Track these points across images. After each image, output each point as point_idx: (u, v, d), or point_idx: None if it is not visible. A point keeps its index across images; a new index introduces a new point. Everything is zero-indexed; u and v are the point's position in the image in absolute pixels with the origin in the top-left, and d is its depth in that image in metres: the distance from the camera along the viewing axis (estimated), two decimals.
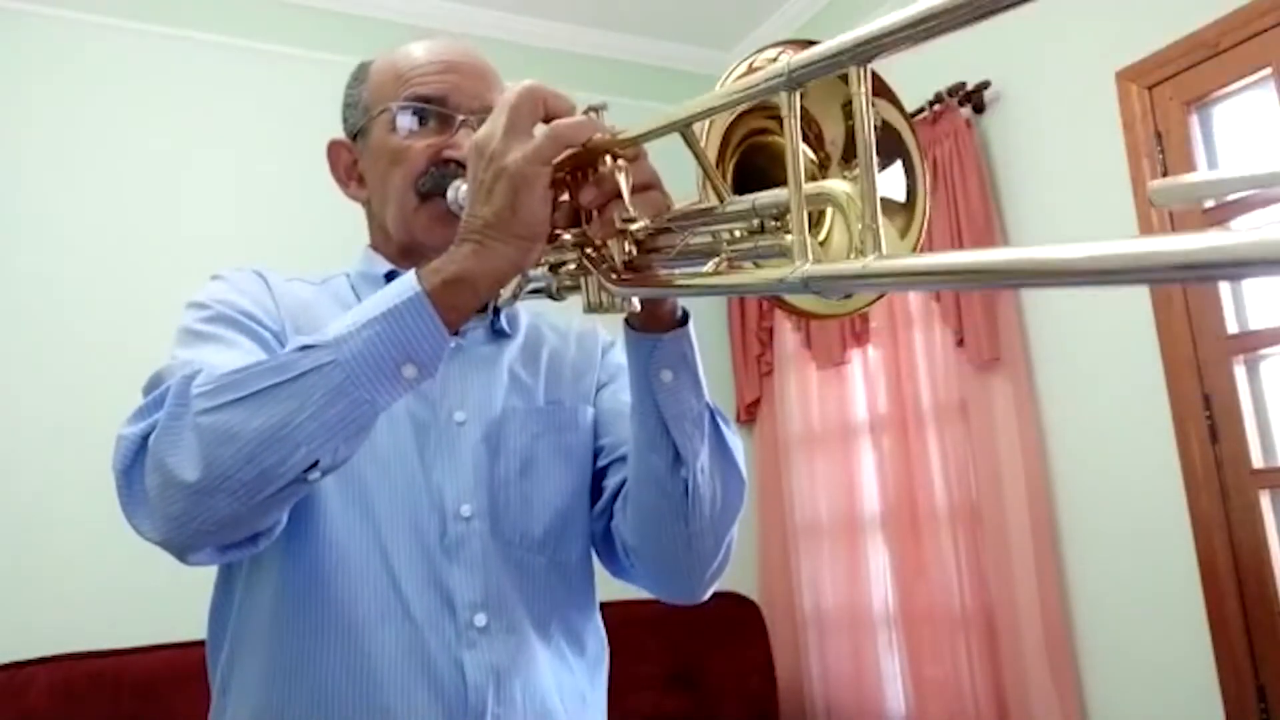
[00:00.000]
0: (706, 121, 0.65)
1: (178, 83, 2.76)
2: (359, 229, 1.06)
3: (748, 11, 3.27)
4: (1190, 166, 2.13)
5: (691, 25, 3.35)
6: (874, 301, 0.66)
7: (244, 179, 2.77)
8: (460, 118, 0.95)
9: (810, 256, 0.52)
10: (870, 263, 0.48)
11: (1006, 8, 0.39)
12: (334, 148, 1.04)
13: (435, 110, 0.95)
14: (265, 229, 2.70)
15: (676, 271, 0.73)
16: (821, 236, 0.65)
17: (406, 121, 0.95)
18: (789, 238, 0.59)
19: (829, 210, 0.64)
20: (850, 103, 0.64)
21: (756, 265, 0.65)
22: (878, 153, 0.63)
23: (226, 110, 2.80)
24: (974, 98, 2.55)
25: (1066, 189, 2.39)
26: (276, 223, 2.72)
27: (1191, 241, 0.32)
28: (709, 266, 0.68)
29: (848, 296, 0.63)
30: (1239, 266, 0.31)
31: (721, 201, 0.65)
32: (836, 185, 0.57)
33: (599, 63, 3.32)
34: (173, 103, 2.74)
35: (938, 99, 2.59)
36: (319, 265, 1.06)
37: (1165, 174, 2.18)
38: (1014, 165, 2.53)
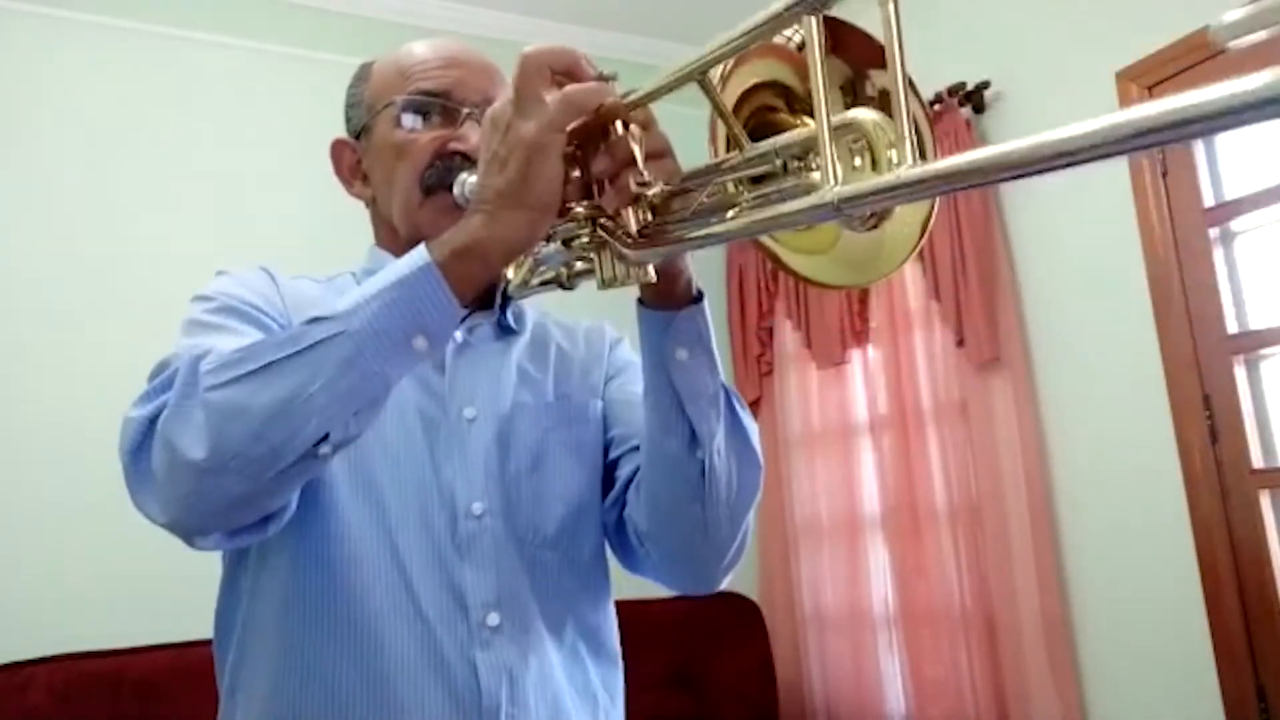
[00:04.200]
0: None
1: (177, 82, 2.76)
2: (361, 228, 1.06)
3: (747, 11, 3.25)
4: (1190, 166, 2.13)
5: (691, 25, 3.35)
6: (892, 272, 0.65)
7: (244, 179, 2.77)
8: (465, 110, 0.94)
9: (840, 179, 0.52)
10: (903, 173, 0.47)
11: None
12: (337, 146, 1.04)
13: (439, 104, 0.95)
14: (266, 229, 2.70)
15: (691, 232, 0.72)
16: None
17: (410, 116, 0.95)
18: (814, 174, 0.58)
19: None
20: (850, 83, 0.64)
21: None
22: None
23: (226, 110, 2.80)
24: (974, 98, 2.56)
25: (1066, 189, 2.39)
26: (278, 222, 2.71)
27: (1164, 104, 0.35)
28: (730, 214, 0.66)
29: (874, 228, 0.62)
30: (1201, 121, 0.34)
31: (741, 150, 0.64)
32: (863, 113, 0.56)
33: (598, 62, 3.30)
34: (172, 102, 2.74)
35: (938, 99, 2.59)
36: (321, 265, 1.06)
37: (1165, 174, 2.18)
38: None
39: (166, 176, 2.69)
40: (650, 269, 0.77)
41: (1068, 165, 0.39)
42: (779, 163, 0.62)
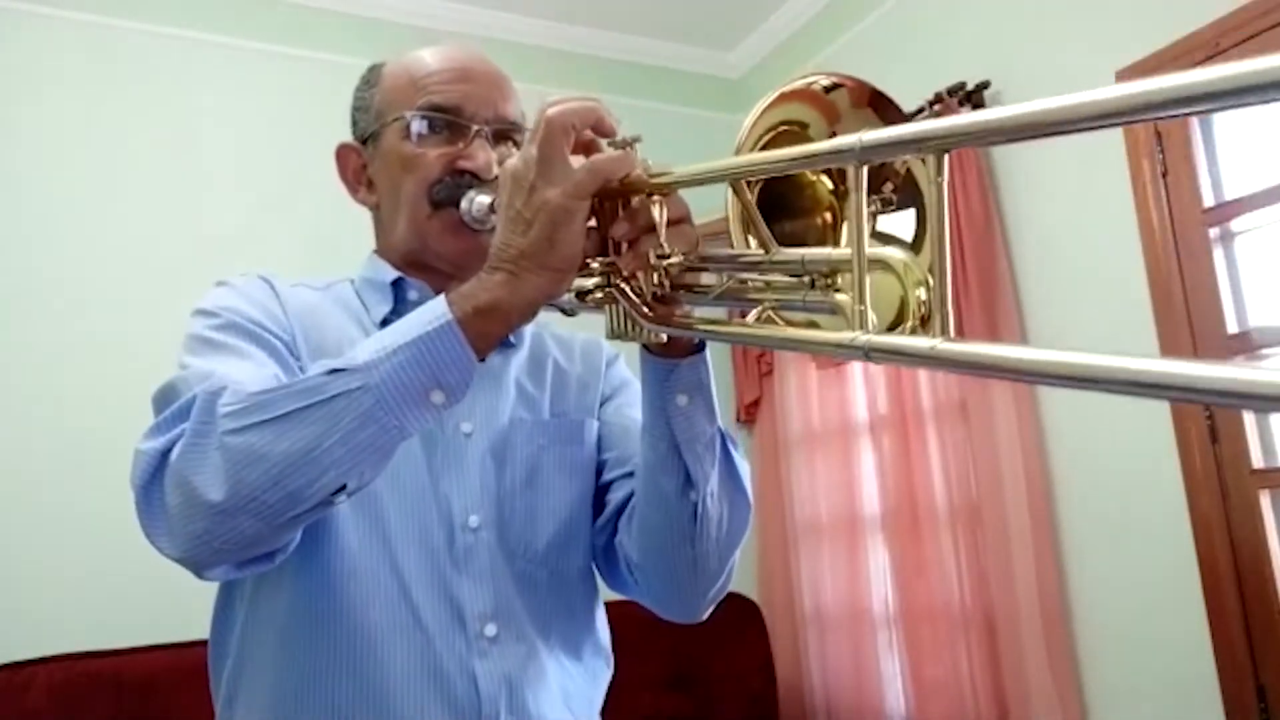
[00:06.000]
0: (735, 142, 0.65)
1: (178, 83, 2.76)
2: (363, 232, 1.06)
3: (748, 11, 3.27)
4: (1190, 166, 2.13)
5: (692, 25, 3.35)
6: None
7: (246, 180, 2.77)
8: (475, 127, 0.95)
9: (871, 327, 0.52)
10: (939, 345, 0.47)
11: (1104, 125, 0.39)
12: (343, 151, 1.03)
13: (450, 119, 0.95)
14: (267, 231, 2.70)
15: (697, 313, 0.73)
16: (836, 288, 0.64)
17: (420, 129, 0.95)
18: (839, 296, 0.60)
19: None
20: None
21: (801, 318, 0.65)
22: (896, 191, 0.63)
23: (228, 110, 2.80)
24: (974, 98, 2.55)
25: (1066, 189, 2.39)
26: (279, 225, 2.72)
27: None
28: (751, 316, 0.67)
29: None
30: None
31: (767, 251, 0.65)
32: (894, 253, 0.56)
33: (599, 63, 3.31)
34: (173, 103, 2.74)
35: (938, 99, 2.59)
36: (322, 267, 1.06)
37: (1165, 174, 2.18)
38: (1014, 165, 2.53)
39: (168, 177, 2.69)
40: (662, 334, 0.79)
41: (1095, 390, 0.39)
42: (806, 279, 0.63)
